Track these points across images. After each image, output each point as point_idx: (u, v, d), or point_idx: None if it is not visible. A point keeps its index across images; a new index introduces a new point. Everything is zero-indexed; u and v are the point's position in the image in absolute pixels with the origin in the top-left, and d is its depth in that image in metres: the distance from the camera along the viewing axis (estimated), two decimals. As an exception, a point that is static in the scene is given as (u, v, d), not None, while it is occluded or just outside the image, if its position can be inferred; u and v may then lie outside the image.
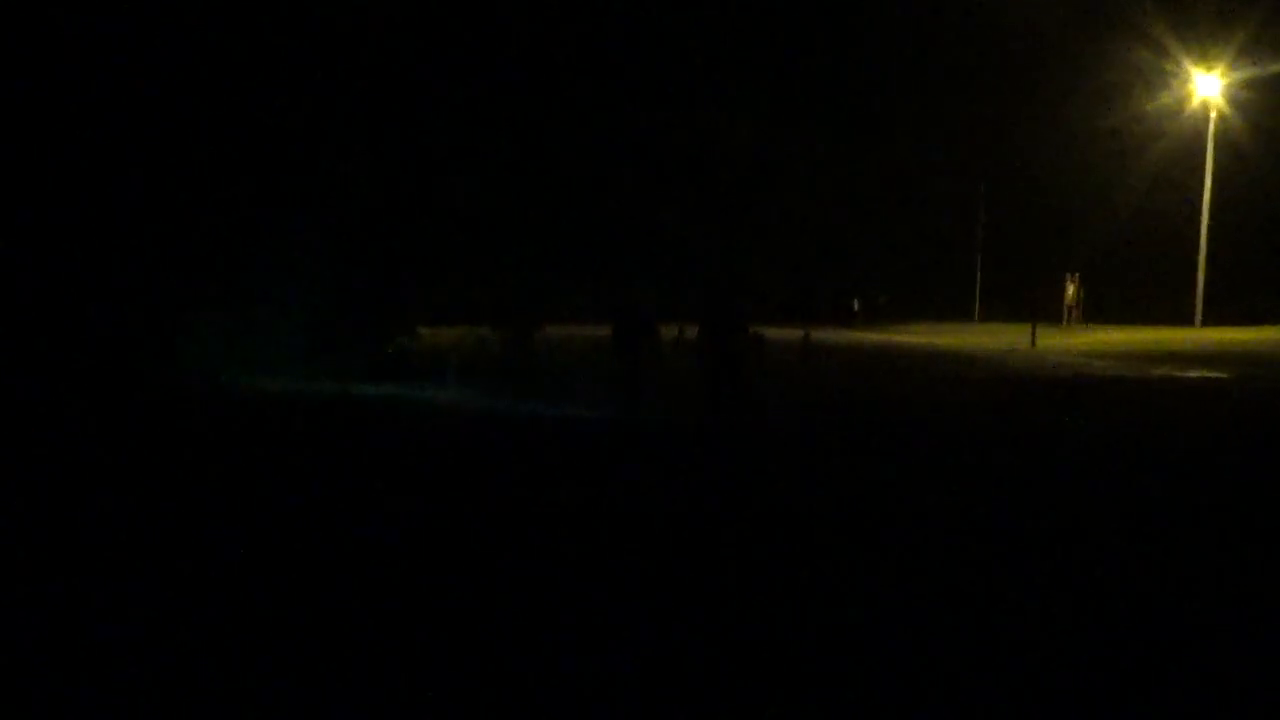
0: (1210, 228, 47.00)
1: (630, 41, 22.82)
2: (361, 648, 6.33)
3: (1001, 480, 11.84)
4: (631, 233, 23.40)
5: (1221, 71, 47.92)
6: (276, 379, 19.91)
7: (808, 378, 23.95)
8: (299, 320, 20.50)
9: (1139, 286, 49.86)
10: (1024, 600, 7.33)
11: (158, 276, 19.83)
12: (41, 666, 6.03)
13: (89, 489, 10.66)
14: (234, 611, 6.94)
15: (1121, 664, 6.20)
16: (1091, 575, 7.97)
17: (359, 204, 21.10)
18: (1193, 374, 26.00)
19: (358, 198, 21.04)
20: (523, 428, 15.81)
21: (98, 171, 18.80)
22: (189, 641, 6.37)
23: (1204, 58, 48.11)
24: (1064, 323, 48.43)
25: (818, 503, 10.52)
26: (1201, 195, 47.25)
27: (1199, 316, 46.17)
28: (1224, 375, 25.27)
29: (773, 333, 20.43)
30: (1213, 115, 47.93)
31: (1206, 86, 48.27)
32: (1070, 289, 50.25)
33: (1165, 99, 49.95)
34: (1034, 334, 37.52)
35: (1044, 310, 42.02)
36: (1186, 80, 48.84)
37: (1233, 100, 48.40)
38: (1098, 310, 49.44)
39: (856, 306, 53.19)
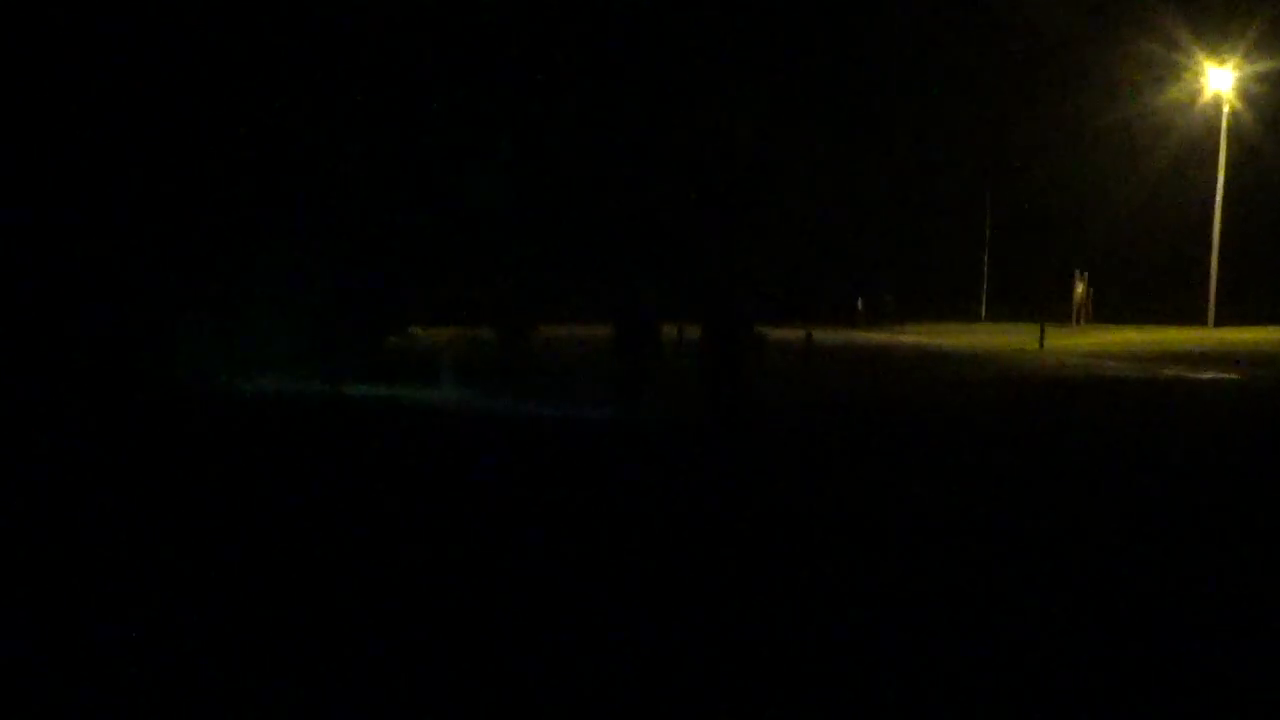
0: (1223, 225, 46.99)
1: (630, 41, 23.04)
2: (361, 648, 6.44)
3: (1008, 484, 11.92)
4: (631, 232, 23.62)
5: (1235, 64, 47.61)
6: (268, 379, 20.07)
7: (810, 379, 23.99)
8: (292, 321, 20.73)
9: (1150, 285, 49.88)
10: (1025, 602, 7.46)
11: (152, 276, 20.06)
12: (40, 666, 6.15)
13: (84, 490, 10.76)
14: (233, 612, 7.06)
15: (1121, 664, 6.34)
16: (1094, 578, 8.10)
17: (358, 204, 21.34)
18: (1205, 375, 26.10)
19: (357, 198, 21.28)
20: (518, 428, 15.93)
21: (93, 170, 19.05)
22: (188, 642, 6.49)
23: (1216, 50, 47.99)
24: (1073, 322, 48.54)
25: (816, 504, 10.63)
26: (1213, 191, 47.18)
27: (1212, 316, 46.11)
28: (1237, 376, 25.39)
29: (775, 333, 20.60)
30: (1225, 109, 47.48)
31: (1219, 80, 47.91)
32: (1079, 288, 50.33)
33: (1176, 93, 49.74)
34: (1042, 334, 37.67)
35: (1052, 310, 42.22)
36: (1198, 73, 48.66)
37: (1246, 94, 48.15)
38: (1107, 309, 49.55)
39: (860, 306, 53.29)
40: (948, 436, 15.72)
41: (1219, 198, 46.94)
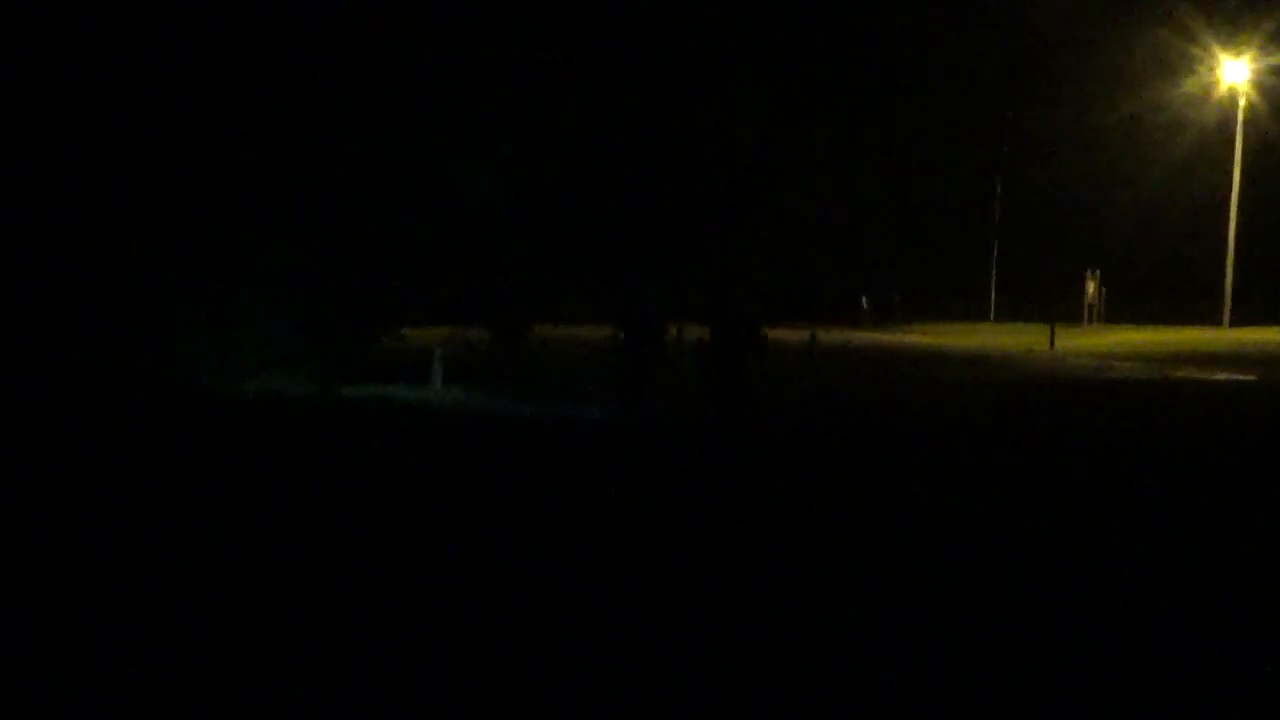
0: (1239, 223, 46.97)
1: (630, 41, 23.31)
2: (362, 648, 6.61)
3: (1013, 487, 12.07)
4: (631, 232, 23.84)
5: (1251, 56, 47.44)
6: (261, 379, 20.30)
7: (813, 380, 24.10)
8: (286, 321, 21.00)
9: (1163, 284, 49.90)
10: (1026, 602, 7.66)
11: (150, 276, 20.34)
12: (39, 667, 6.32)
13: (82, 489, 10.93)
14: (233, 612, 7.22)
15: (1120, 665, 6.54)
16: (1095, 579, 8.30)
17: (357, 204, 21.59)
18: (1219, 376, 26.28)
19: (356, 198, 21.53)
20: (517, 428, 16.11)
21: (91, 170, 19.33)
22: (187, 643, 6.66)
23: (1232, 42, 47.90)
24: (1084, 322, 48.63)
25: (816, 504, 10.81)
26: (1228, 188, 47.10)
27: (1227, 316, 46.08)
28: (1251, 378, 25.56)
29: (778, 333, 20.79)
30: (1241, 103, 47.31)
31: (1234, 72, 47.73)
32: (1090, 287, 50.35)
33: (1190, 85, 49.61)
34: (1053, 334, 37.84)
35: (1063, 309, 42.34)
36: (1213, 66, 48.35)
37: (1262, 87, 47.89)
38: (1120, 309, 49.67)
39: (865, 305, 53.35)
40: (951, 438, 15.86)
41: (1234, 194, 46.77)
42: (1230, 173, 47.12)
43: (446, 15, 21.47)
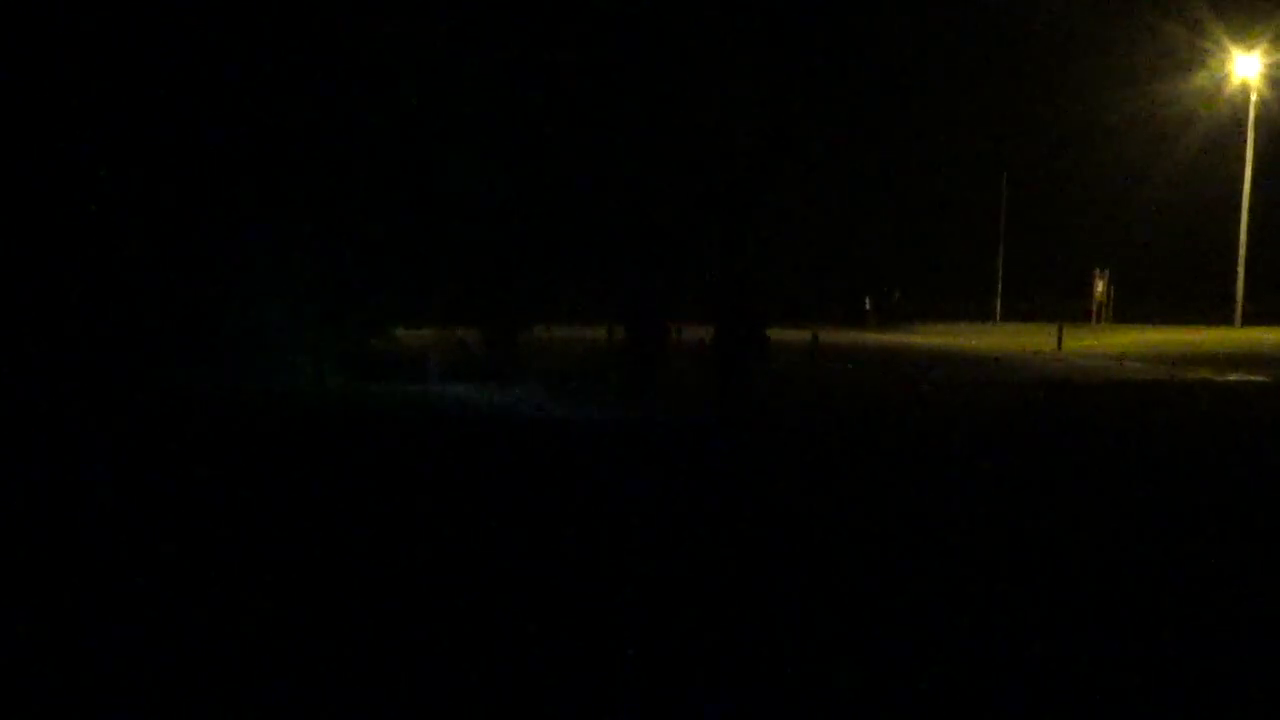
0: (1251, 221, 47.13)
1: (630, 41, 23.53)
2: (362, 648, 6.74)
3: (1018, 489, 12.17)
4: (631, 232, 24.05)
5: (1263, 50, 47.59)
6: (254, 379, 20.47)
7: (814, 380, 24.24)
8: (284, 320, 21.22)
9: (1173, 283, 50.04)
10: (1028, 603, 7.79)
11: (144, 276, 20.55)
12: (39, 667, 6.44)
13: (81, 489, 11.02)
14: (233, 612, 7.34)
15: (1122, 664, 6.67)
16: (1102, 582, 8.43)
17: (356, 204, 21.81)
18: (1231, 377, 26.42)
19: (354, 197, 21.76)
20: (517, 428, 16.22)
21: (87, 169, 19.55)
22: (186, 643, 6.79)
23: (1243, 36, 48.10)
24: (1093, 322, 48.78)
25: (817, 505, 10.93)
26: (1240, 185, 47.28)
27: (1239, 316, 46.25)
28: (1264, 379, 25.70)
29: (780, 334, 20.93)
30: (1253, 98, 47.47)
31: (1246, 67, 48.02)
32: (1099, 286, 50.51)
33: (1201, 81, 49.84)
34: (1060, 334, 38.01)
35: (1070, 309, 42.50)
36: (1224, 60, 48.65)
37: (1274, 82, 48.05)
38: (1129, 309, 49.82)
39: (869, 305, 53.45)
40: (955, 439, 15.97)
41: (1246, 191, 46.88)
42: (1242, 169, 47.25)
43: (446, 15, 21.70)
